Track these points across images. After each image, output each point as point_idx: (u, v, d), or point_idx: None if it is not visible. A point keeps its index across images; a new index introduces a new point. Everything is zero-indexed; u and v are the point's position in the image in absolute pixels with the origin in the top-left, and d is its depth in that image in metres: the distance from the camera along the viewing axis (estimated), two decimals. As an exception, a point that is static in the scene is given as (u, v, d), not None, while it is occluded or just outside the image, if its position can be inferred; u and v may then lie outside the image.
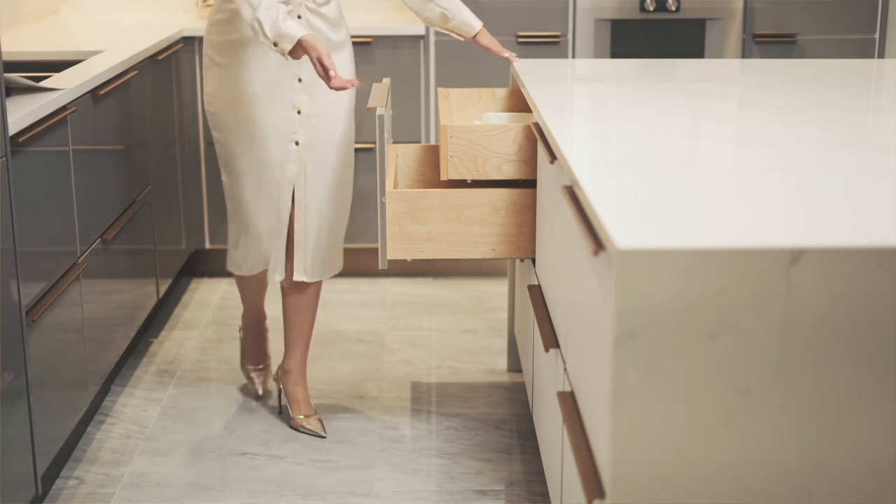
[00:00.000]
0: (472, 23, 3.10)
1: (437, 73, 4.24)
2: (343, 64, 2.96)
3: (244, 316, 3.36)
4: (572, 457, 1.87)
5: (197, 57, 4.12)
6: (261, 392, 3.33)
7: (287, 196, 2.98)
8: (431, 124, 4.30)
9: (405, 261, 2.83)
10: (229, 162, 3.01)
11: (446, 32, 3.12)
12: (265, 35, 2.67)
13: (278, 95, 2.91)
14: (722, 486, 1.62)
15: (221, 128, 2.98)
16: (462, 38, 3.13)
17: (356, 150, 3.15)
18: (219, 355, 3.66)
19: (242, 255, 3.13)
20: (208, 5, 4.44)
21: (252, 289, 3.28)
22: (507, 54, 3.14)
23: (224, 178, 3.06)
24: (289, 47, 2.67)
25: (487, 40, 3.12)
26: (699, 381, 1.58)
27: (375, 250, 4.12)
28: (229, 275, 4.35)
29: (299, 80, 2.91)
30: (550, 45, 4.26)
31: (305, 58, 2.81)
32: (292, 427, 3.14)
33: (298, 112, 2.93)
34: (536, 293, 2.62)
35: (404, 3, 3.10)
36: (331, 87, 2.69)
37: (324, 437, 3.09)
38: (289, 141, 2.94)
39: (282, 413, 3.22)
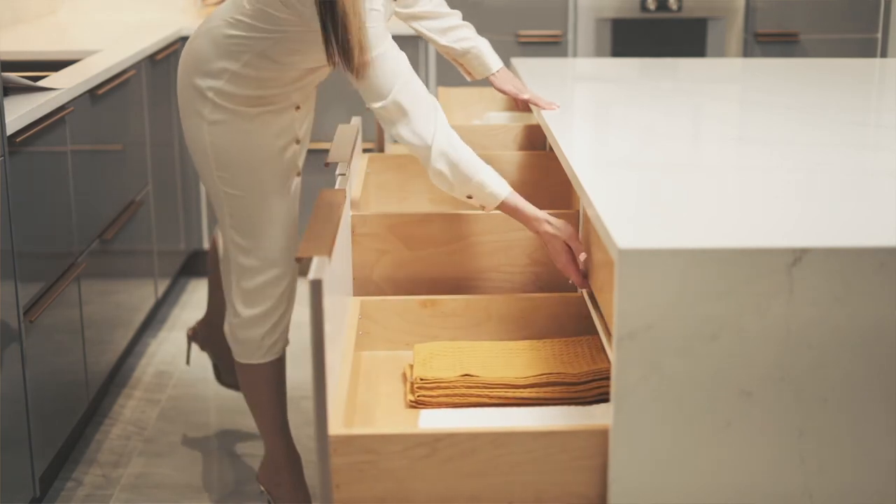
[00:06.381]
0: (488, 62, 2.62)
1: (438, 73, 4.23)
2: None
3: (286, 459, 2.61)
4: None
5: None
6: None
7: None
8: (431, 124, 4.28)
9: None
10: (253, 214, 2.44)
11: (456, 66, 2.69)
12: (450, 186, 2.13)
13: (288, 132, 2.45)
14: (723, 488, 1.61)
15: (235, 180, 2.42)
16: (470, 78, 2.68)
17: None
18: (218, 356, 3.65)
19: (281, 323, 2.53)
20: (208, 5, 4.42)
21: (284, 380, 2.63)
22: (542, 102, 2.54)
23: (240, 240, 2.45)
24: (492, 206, 2.13)
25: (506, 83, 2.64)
26: (700, 381, 1.57)
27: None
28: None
29: (297, 107, 2.47)
30: (550, 45, 4.25)
31: (310, 84, 2.45)
32: None
33: (297, 142, 2.49)
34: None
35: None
36: (578, 284, 2.09)
37: None
38: (294, 175, 2.50)
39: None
